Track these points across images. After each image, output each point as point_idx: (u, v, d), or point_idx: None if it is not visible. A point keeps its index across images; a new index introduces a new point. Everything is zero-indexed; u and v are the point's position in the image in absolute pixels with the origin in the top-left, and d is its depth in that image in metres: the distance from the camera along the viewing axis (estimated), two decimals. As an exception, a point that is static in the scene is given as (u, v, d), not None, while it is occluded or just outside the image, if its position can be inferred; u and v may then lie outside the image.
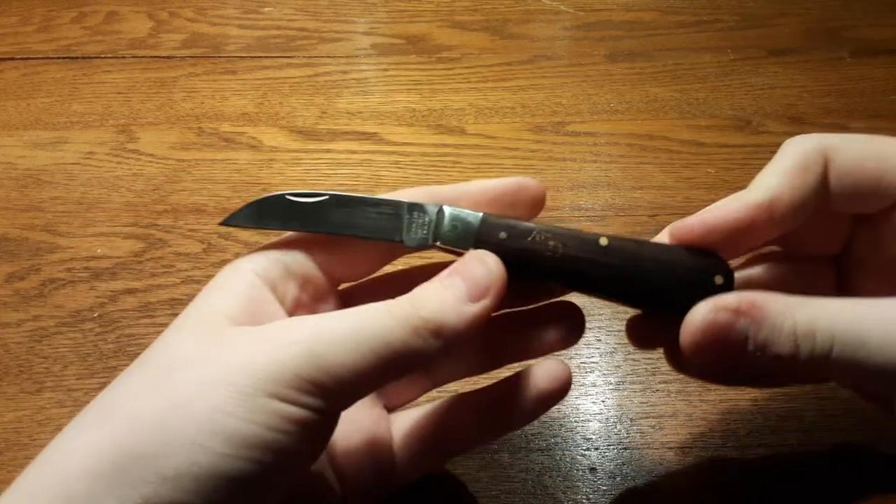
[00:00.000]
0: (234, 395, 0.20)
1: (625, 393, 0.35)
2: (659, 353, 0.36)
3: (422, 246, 0.25)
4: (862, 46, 0.54)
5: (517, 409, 0.27)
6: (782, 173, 0.24)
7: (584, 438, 0.33)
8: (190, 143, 0.48)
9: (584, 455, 0.32)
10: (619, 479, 0.32)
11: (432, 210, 0.25)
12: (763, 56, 0.53)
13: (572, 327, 0.28)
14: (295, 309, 0.25)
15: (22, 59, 0.54)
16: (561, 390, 0.27)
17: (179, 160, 0.46)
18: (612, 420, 0.34)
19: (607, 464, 0.32)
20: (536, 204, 0.27)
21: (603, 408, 0.34)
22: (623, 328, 0.37)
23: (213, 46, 0.55)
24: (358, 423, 0.27)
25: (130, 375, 0.22)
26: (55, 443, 0.21)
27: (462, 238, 0.25)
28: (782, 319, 0.23)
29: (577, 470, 0.32)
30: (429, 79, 0.52)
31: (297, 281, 0.25)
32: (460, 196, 0.26)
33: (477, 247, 0.25)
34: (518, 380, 0.27)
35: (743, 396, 0.34)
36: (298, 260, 0.25)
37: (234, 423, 0.20)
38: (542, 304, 0.28)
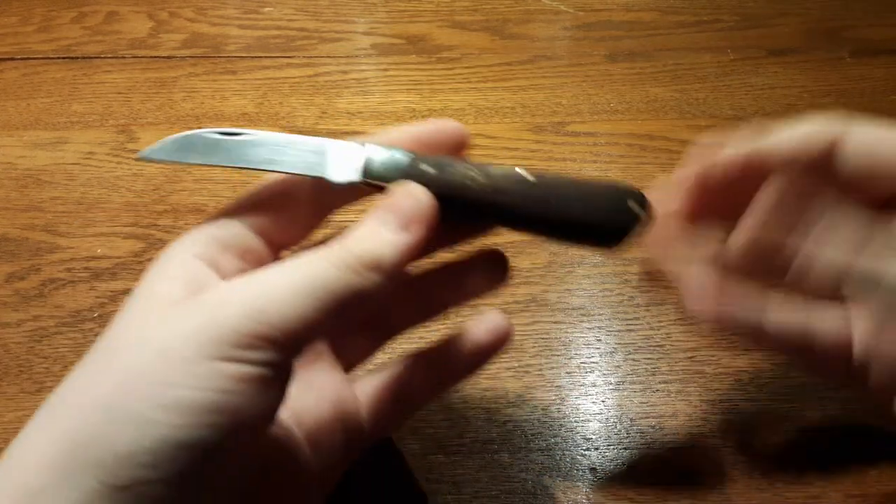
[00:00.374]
0: (178, 364, 0.20)
1: (625, 393, 0.35)
2: (660, 354, 0.36)
3: (349, 182, 0.25)
4: (862, 46, 0.54)
5: (461, 361, 0.29)
6: (784, 134, 0.26)
7: (585, 438, 0.33)
8: (190, 143, 0.48)
9: (584, 455, 0.32)
10: (619, 479, 0.32)
11: (358, 147, 0.25)
12: (763, 56, 0.53)
13: (497, 269, 0.29)
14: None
15: (22, 59, 0.54)
16: (499, 341, 0.28)
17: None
18: (612, 420, 0.34)
19: (607, 464, 0.32)
20: (459, 145, 0.27)
21: (603, 408, 0.34)
22: (623, 328, 0.37)
23: (213, 46, 0.55)
24: (324, 391, 0.27)
25: (77, 369, 0.22)
26: (13, 446, 0.21)
27: (390, 174, 0.25)
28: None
29: (577, 470, 0.32)
30: (429, 79, 0.52)
31: (236, 252, 0.25)
32: (384, 141, 0.26)
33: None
34: (459, 334, 0.29)
35: (743, 396, 0.34)
36: (233, 231, 0.25)
37: (182, 392, 0.20)
38: (469, 253, 0.29)
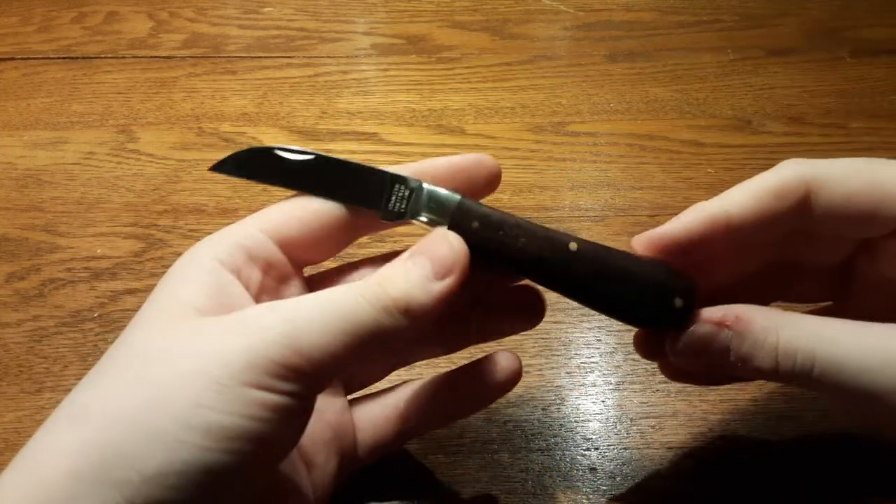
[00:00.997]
0: (211, 387, 0.20)
1: (625, 393, 0.35)
2: (659, 354, 0.36)
3: (397, 219, 0.26)
4: (862, 46, 0.54)
5: (467, 397, 0.29)
6: (751, 192, 0.25)
7: (584, 438, 0.33)
8: (190, 143, 0.48)
9: (584, 455, 0.32)
10: (619, 479, 0.32)
11: (413, 184, 0.25)
12: (763, 56, 0.53)
13: (532, 310, 0.29)
14: (260, 294, 0.25)
15: (22, 59, 0.54)
16: (510, 382, 0.28)
17: (179, 160, 0.46)
18: (612, 420, 0.34)
19: (607, 464, 0.32)
20: (491, 181, 0.27)
21: (603, 408, 0.34)
22: (623, 328, 0.37)
23: (213, 46, 0.55)
24: (323, 412, 0.27)
25: (101, 373, 0.22)
26: (32, 445, 0.21)
27: (437, 218, 0.25)
28: (765, 336, 0.24)
29: (577, 470, 0.32)
30: (429, 79, 0.52)
31: (261, 265, 0.25)
32: (423, 170, 0.26)
33: (450, 228, 0.25)
34: (472, 370, 0.29)
35: (743, 397, 0.34)
36: (260, 243, 0.25)
37: (213, 415, 0.20)
38: (505, 289, 0.29)
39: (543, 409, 0.34)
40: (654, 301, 0.25)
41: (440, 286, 0.23)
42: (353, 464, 0.29)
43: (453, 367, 0.30)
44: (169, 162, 0.46)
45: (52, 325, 0.38)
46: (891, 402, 0.22)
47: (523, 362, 0.35)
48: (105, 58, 0.55)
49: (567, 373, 0.35)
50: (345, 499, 0.30)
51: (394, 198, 0.25)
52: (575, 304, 0.37)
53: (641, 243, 0.25)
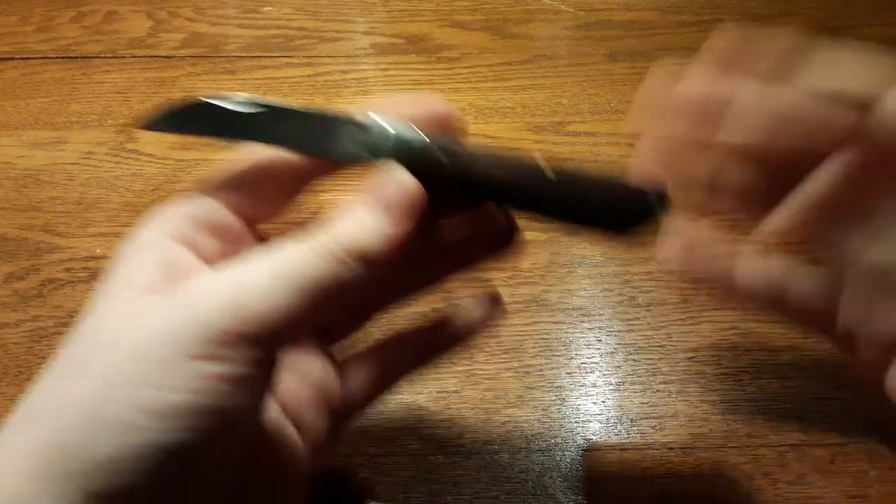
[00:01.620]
0: (154, 365, 0.19)
1: (625, 394, 0.34)
2: (660, 354, 0.36)
3: (353, 161, 0.24)
4: (862, 46, 0.53)
5: (450, 337, 0.28)
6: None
7: (585, 439, 0.33)
8: (189, 143, 0.48)
9: (584, 455, 0.32)
10: (619, 479, 0.32)
11: (368, 123, 0.24)
12: (763, 56, 0.53)
13: (504, 236, 0.27)
14: (217, 259, 0.24)
15: (21, 58, 0.54)
16: (493, 308, 0.27)
17: (179, 160, 0.46)
18: (612, 421, 0.34)
19: (608, 464, 0.32)
20: (444, 124, 0.25)
21: (603, 408, 0.34)
22: (623, 329, 0.37)
23: (212, 46, 0.55)
24: (306, 373, 0.27)
25: (52, 370, 0.21)
26: None
27: (400, 155, 0.23)
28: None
29: (577, 471, 0.32)
30: (429, 79, 0.52)
31: (212, 231, 0.24)
32: (387, 113, 0.25)
33: (415, 166, 0.23)
34: (449, 310, 0.28)
35: (744, 397, 0.34)
36: (207, 208, 0.24)
37: (161, 394, 0.19)
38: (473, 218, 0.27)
39: (543, 410, 0.34)
40: (631, 200, 0.24)
41: (394, 229, 0.22)
42: (346, 418, 0.28)
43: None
44: (168, 162, 0.46)
45: (51, 325, 0.38)
46: None
47: (523, 363, 0.36)
48: (104, 57, 0.54)
49: (567, 373, 0.35)
50: (345, 499, 0.30)
51: (346, 139, 0.24)
52: (576, 304, 0.37)
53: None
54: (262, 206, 0.25)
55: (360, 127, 0.24)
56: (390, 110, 0.24)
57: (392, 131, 0.24)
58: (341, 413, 0.28)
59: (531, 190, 0.24)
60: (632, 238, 0.25)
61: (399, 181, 0.23)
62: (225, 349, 0.20)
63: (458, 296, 0.29)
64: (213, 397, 0.19)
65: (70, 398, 0.20)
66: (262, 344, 0.20)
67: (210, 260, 0.23)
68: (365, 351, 0.29)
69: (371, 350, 0.29)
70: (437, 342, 0.28)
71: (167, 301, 0.21)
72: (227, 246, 0.24)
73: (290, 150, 0.24)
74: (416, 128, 0.24)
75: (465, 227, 0.27)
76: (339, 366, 0.28)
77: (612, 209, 0.25)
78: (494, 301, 0.28)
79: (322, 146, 0.24)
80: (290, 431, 0.26)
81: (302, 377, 0.26)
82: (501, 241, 0.27)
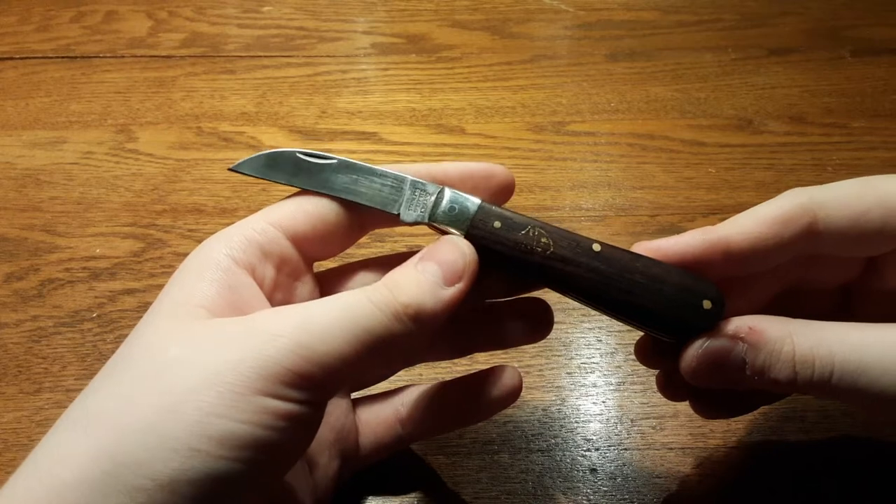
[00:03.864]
0: (225, 395, 0.20)
1: (625, 394, 0.34)
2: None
3: (416, 222, 0.26)
4: (863, 46, 0.53)
5: (468, 410, 0.29)
6: (755, 219, 0.24)
7: (585, 439, 0.33)
8: (189, 142, 0.48)
9: (584, 456, 0.32)
10: (619, 479, 0.32)
11: (433, 189, 0.25)
12: (764, 55, 0.53)
13: (540, 323, 0.28)
14: (274, 291, 0.25)
15: (21, 58, 0.54)
16: (511, 398, 0.28)
17: (178, 160, 0.46)
18: (612, 421, 0.34)
19: (608, 465, 0.32)
20: (503, 191, 0.27)
21: (603, 408, 0.34)
22: (623, 329, 0.37)
23: (212, 46, 0.55)
24: (328, 414, 0.27)
25: (112, 377, 0.22)
26: (43, 449, 0.20)
27: (457, 220, 0.25)
28: (780, 345, 0.23)
29: (577, 471, 0.32)
30: (429, 78, 0.52)
31: (274, 261, 0.25)
32: (432, 173, 0.26)
33: (471, 231, 0.25)
34: (473, 382, 0.28)
35: (744, 397, 0.34)
36: (273, 239, 0.25)
37: (227, 424, 0.20)
38: (514, 298, 0.28)
39: (544, 410, 0.34)
40: (682, 304, 0.24)
41: (449, 292, 0.23)
42: (355, 464, 0.29)
43: (455, 375, 0.30)
44: (168, 162, 0.46)
45: (50, 325, 0.38)
46: None
47: (523, 363, 0.36)
48: (104, 57, 0.54)
49: (567, 373, 0.35)
50: (345, 499, 0.30)
51: (413, 202, 0.25)
52: (576, 304, 0.37)
53: (639, 246, 0.25)
54: (322, 246, 0.26)
55: (424, 191, 0.25)
56: (456, 177, 0.26)
57: (449, 197, 0.25)
58: (352, 458, 0.28)
59: (577, 265, 0.25)
60: (684, 332, 0.24)
61: (459, 247, 0.24)
62: (288, 389, 0.20)
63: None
64: (272, 433, 0.20)
65: (133, 411, 0.20)
66: (320, 386, 0.21)
67: (268, 288, 0.24)
68: (383, 402, 0.30)
69: (389, 402, 0.29)
70: (455, 405, 0.29)
71: (235, 331, 0.21)
72: (285, 278, 0.25)
73: (357, 202, 0.26)
74: (473, 198, 0.25)
75: (508, 308, 0.29)
76: (359, 412, 0.29)
77: (666, 305, 0.24)
78: (515, 378, 0.28)
79: (386, 204, 0.26)
80: (302, 468, 0.26)
81: (325, 421, 0.26)
82: (534, 324, 0.28)
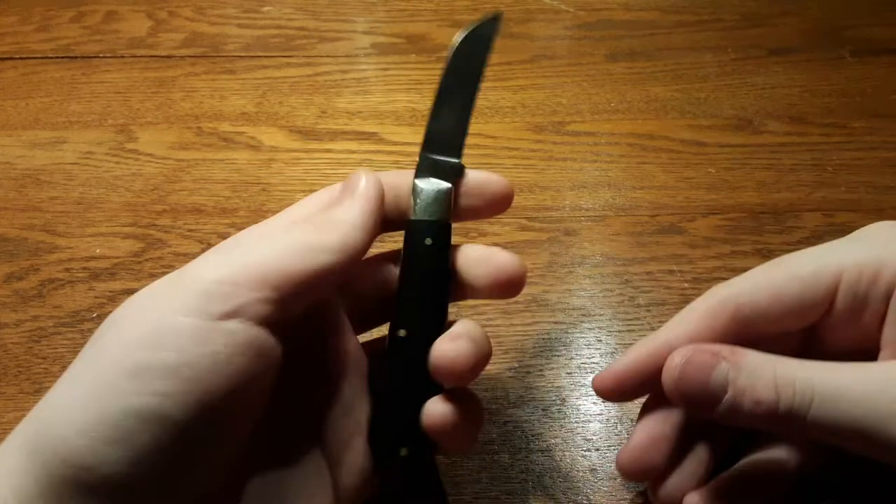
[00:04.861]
0: (145, 324, 0.20)
1: (625, 393, 0.34)
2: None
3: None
4: (863, 46, 0.53)
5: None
6: (686, 319, 0.27)
7: (585, 439, 0.33)
8: (189, 142, 0.48)
9: (584, 456, 0.32)
10: (619, 479, 0.32)
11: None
12: (764, 55, 0.53)
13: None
14: None
15: (21, 58, 0.54)
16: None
17: (178, 160, 0.46)
18: (612, 421, 0.33)
19: (608, 465, 0.32)
20: (501, 201, 0.28)
21: (603, 408, 0.34)
22: (623, 329, 0.37)
23: (212, 46, 0.55)
24: (352, 411, 0.26)
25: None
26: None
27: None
28: (762, 368, 0.23)
29: (577, 471, 0.32)
30: (429, 78, 0.52)
31: None
32: None
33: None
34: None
35: (744, 397, 0.34)
36: None
37: (146, 353, 0.20)
38: None
39: (544, 410, 0.34)
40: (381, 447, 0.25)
41: (359, 199, 0.25)
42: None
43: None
44: (168, 162, 0.46)
45: (50, 325, 0.38)
46: (892, 430, 0.22)
47: (523, 363, 0.36)
48: (104, 57, 0.54)
49: (567, 373, 0.35)
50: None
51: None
52: (576, 304, 0.37)
53: (600, 383, 0.28)
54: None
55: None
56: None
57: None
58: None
59: None
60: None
61: (361, 175, 0.26)
62: (213, 301, 0.20)
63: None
64: (198, 358, 0.20)
65: (67, 374, 0.20)
66: (251, 289, 0.21)
67: None
68: None
69: None
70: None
71: (168, 276, 0.22)
72: None
73: None
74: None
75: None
76: None
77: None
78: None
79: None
80: (319, 465, 0.25)
81: (345, 410, 0.25)
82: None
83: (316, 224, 0.24)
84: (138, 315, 0.21)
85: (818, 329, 0.27)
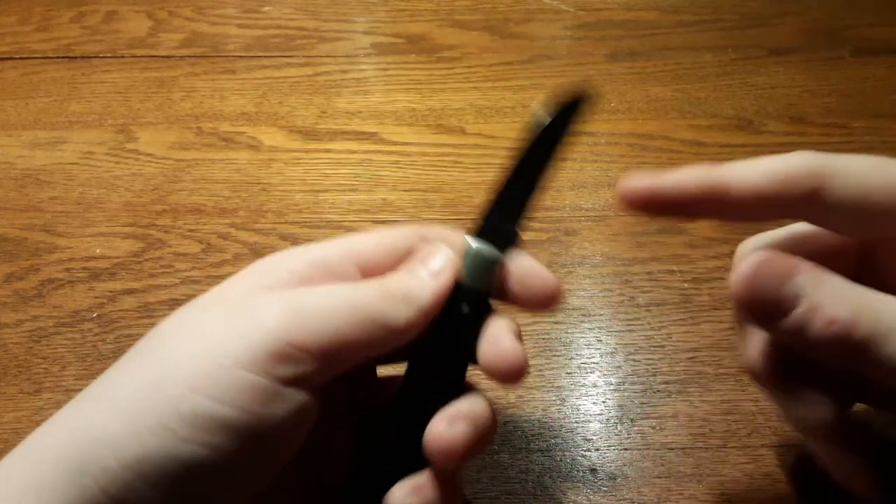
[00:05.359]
0: (207, 369, 0.19)
1: (625, 394, 0.34)
2: (661, 354, 0.36)
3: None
4: (863, 46, 0.53)
5: None
6: (760, 171, 0.23)
7: (585, 439, 0.33)
8: (189, 142, 0.48)
9: (584, 456, 0.32)
10: (619, 480, 0.32)
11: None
12: (764, 55, 0.53)
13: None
14: None
15: (21, 58, 0.54)
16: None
17: (178, 160, 0.46)
18: (612, 421, 0.34)
19: (608, 465, 0.32)
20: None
21: (603, 408, 0.34)
22: (623, 329, 0.37)
23: (212, 46, 0.55)
24: (354, 406, 0.27)
25: (119, 360, 0.22)
26: (34, 432, 0.20)
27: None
28: (845, 290, 0.21)
29: (577, 471, 0.32)
30: (429, 78, 0.52)
31: (326, 270, 0.25)
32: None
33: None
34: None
35: (744, 397, 0.34)
36: (340, 262, 0.25)
37: (203, 401, 0.19)
38: None
39: (543, 410, 0.34)
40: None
41: (436, 281, 0.24)
42: None
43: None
44: (168, 162, 0.46)
45: (50, 325, 0.38)
46: None
47: (523, 363, 0.35)
48: (104, 57, 0.54)
49: (567, 373, 0.35)
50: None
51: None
52: (576, 304, 0.37)
53: (629, 190, 0.24)
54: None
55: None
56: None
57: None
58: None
59: None
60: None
61: (442, 248, 0.25)
62: (275, 364, 0.20)
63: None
64: (250, 416, 0.19)
65: (120, 386, 0.20)
66: (316, 360, 0.21)
67: None
68: None
69: None
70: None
71: (234, 310, 0.21)
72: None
73: None
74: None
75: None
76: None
77: None
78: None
79: None
80: (325, 465, 0.25)
81: (350, 407, 0.26)
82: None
83: (387, 294, 0.23)
84: (198, 347, 0.20)
85: (876, 255, 0.24)
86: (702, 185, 0.23)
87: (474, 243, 0.25)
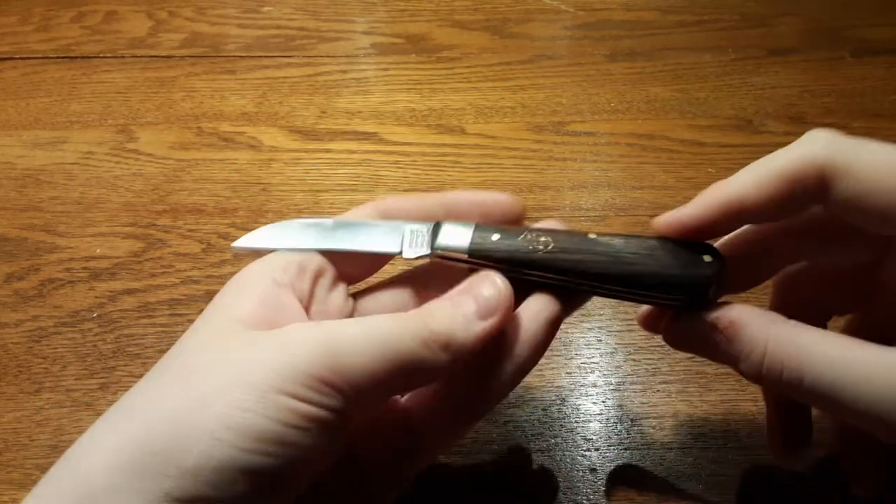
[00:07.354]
0: (250, 392, 0.20)
1: (625, 393, 0.34)
2: (661, 354, 0.36)
3: (419, 256, 0.26)
4: (863, 46, 0.53)
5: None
6: (770, 175, 0.24)
7: (585, 439, 0.33)
8: (189, 142, 0.48)
9: (584, 456, 0.32)
10: (619, 479, 0.32)
11: (428, 226, 0.27)
12: (764, 56, 0.53)
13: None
14: (310, 302, 0.26)
15: (21, 58, 0.54)
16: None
17: (179, 160, 0.46)
18: (612, 421, 0.34)
19: (608, 464, 0.32)
20: (510, 219, 0.28)
21: (603, 408, 0.34)
22: (623, 329, 0.37)
23: (212, 46, 0.55)
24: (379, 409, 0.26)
25: (149, 380, 0.23)
26: (75, 446, 0.21)
27: (457, 246, 0.26)
28: (752, 347, 0.23)
29: (577, 470, 0.32)
30: (429, 78, 0.52)
31: (311, 275, 0.26)
32: (445, 203, 0.28)
33: (471, 252, 0.25)
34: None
35: (744, 397, 0.34)
36: (312, 257, 0.26)
37: (251, 418, 0.20)
38: None
39: (544, 410, 0.34)
40: (684, 263, 0.25)
41: (482, 326, 0.23)
42: (417, 457, 0.26)
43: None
44: (168, 162, 0.46)
45: (50, 325, 0.38)
46: (888, 419, 0.21)
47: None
48: (104, 57, 0.54)
49: (567, 373, 0.35)
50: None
51: (412, 241, 0.27)
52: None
53: (661, 226, 0.25)
54: (354, 269, 0.28)
55: (421, 232, 0.27)
56: (465, 206, 0.28)
57: (451, 232, 0.26)
58: (411, 449, 0.26)
59: (579, 252, 0.25)
60: (698, 297, 0.25)
61: (494, 282, 0.24)
62: (311, 392, 0.21)
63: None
64: (294, 431, 0.21)
65: (163, 405, 0.21)
66: (344, 397, 0.21)
67: (306, 302, 0.25)
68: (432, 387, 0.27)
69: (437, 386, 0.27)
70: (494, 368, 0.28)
71: (266, 338, 0.22)
72: (321, 291, 0.26)
73: (364, 251, 0.27)
74: (467, 223, 0.26)
75: None
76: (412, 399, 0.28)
77: (671, 267, 0.25)
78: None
79: (392, 249, 0.27)
80: (351, 466, 0.25)
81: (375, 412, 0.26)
82: None
83: (427, 341, 0.22)
84: (234, 370, 0.21)
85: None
86: (719, 206, 0.25)
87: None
